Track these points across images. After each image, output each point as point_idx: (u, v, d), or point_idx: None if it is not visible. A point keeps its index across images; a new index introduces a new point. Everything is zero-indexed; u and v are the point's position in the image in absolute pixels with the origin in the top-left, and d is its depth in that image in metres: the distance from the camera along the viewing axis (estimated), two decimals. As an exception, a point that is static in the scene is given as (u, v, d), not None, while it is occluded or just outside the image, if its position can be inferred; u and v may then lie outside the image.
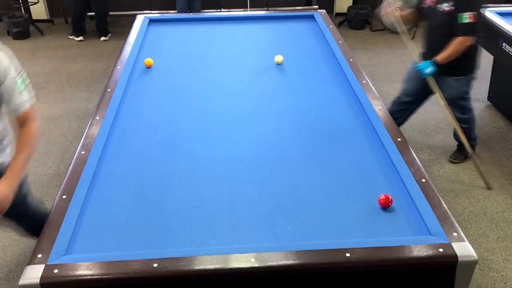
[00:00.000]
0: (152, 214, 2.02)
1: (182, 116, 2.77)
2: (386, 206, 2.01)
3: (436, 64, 3.19)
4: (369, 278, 1.80)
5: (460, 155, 3.74)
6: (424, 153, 3.83)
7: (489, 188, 3.48)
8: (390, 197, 2.01)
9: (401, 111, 3.54)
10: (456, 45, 3.11)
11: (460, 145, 3.69)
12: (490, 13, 4.10)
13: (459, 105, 3.42)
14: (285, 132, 2.60)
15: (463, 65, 3.25)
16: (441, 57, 3.17)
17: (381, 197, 2.02)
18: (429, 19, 3.31)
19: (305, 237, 1.89)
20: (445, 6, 3.13)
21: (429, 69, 3.21)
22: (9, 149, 2.20)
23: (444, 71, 3.23)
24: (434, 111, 4.14)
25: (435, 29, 3.28)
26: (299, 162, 2.35)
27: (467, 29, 3.07)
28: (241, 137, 2.55)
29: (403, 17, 3.44)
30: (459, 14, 3.04)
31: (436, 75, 3.26)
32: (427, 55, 3.32)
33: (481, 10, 3.16)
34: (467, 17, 3.02)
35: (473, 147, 3.61)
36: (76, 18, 6.19)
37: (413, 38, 5.65)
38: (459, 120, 3.42)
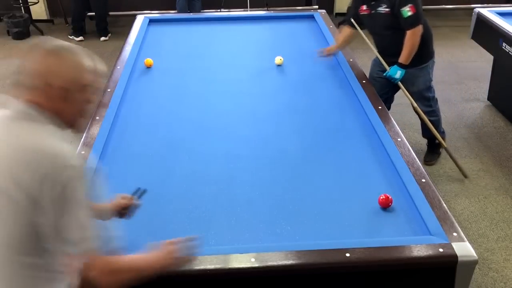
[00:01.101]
0: (152, 214, 2.02)
1: (182, 116, 2.77)
2: (386, 206, 2.01)
3: (403, 66, 3.23)
4: (369, 278, 1.80)
5: (433, 155, 3.76)
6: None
7: (465, 176, 3.54)
8: (390, 197, 2.01)
9: None
10: (410, 41, 3.14)
11: (430, 144, 3.74)
12: (490, 13, 4.11)
13: (426, 97, 3.45)
14: (285, 132, 2.60)
15: (422, 53, 3.26)
16: (404, 57, 3.20)
17: (381, 197, 2.02)
18: (371, 24, 3.33)
19: (305, 237, 1.88)
20: (382, 9, 3.16)
21: (398, 74, 3.25)
22: None
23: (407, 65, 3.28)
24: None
25: (382, 32, 3.31)
26: (299, 162, 2.35)
27: (413, 22, 3.10)
28: (241, 137, 2.55)
29: (340, 41, 3.44)
30: (400, 10, 3.07)
31: None
32: (385, 58, 3.34)
33: None
34: (407, 11, 3.06)
35: (443, 139, 3.63)
36: (76, 18, 6.18)
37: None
38: (428, 114, 3.45)
